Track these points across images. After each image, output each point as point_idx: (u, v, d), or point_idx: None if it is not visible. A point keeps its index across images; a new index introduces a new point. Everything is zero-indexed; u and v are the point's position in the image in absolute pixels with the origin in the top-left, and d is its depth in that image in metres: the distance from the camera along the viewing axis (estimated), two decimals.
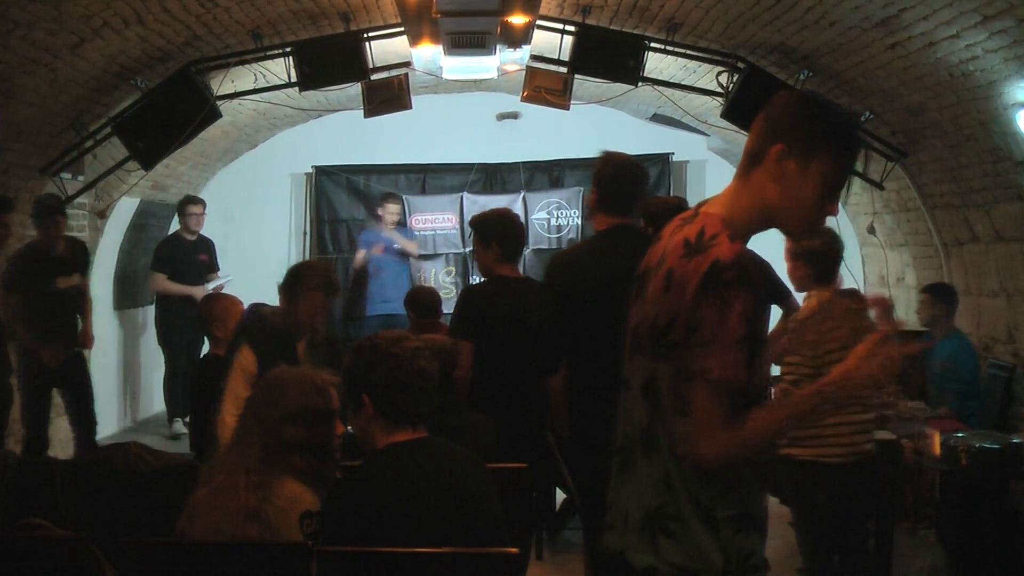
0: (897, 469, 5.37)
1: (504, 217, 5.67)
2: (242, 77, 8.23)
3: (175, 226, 10.84)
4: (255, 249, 11.30)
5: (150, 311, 10.71)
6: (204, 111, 7.61)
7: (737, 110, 7.59)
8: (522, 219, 10.72)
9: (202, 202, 10.42)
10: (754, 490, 2.66)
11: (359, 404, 3.24)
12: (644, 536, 2.61)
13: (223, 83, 7.92)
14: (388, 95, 8.10)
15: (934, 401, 6.87)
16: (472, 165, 11.37)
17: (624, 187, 4.56)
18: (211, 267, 10.41)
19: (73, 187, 7.92)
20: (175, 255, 10.14)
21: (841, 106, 2.66)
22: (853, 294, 4.86)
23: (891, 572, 5.84)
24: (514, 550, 2.91)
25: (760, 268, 4.64)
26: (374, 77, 8.02)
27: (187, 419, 9.87)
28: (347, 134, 11.02)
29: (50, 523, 3.50)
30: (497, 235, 5.50)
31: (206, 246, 10.44)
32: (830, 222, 2.82)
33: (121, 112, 7.59)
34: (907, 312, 8.30)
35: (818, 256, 4.74)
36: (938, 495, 5.47)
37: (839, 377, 2.49)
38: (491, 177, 11.41)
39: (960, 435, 5.11)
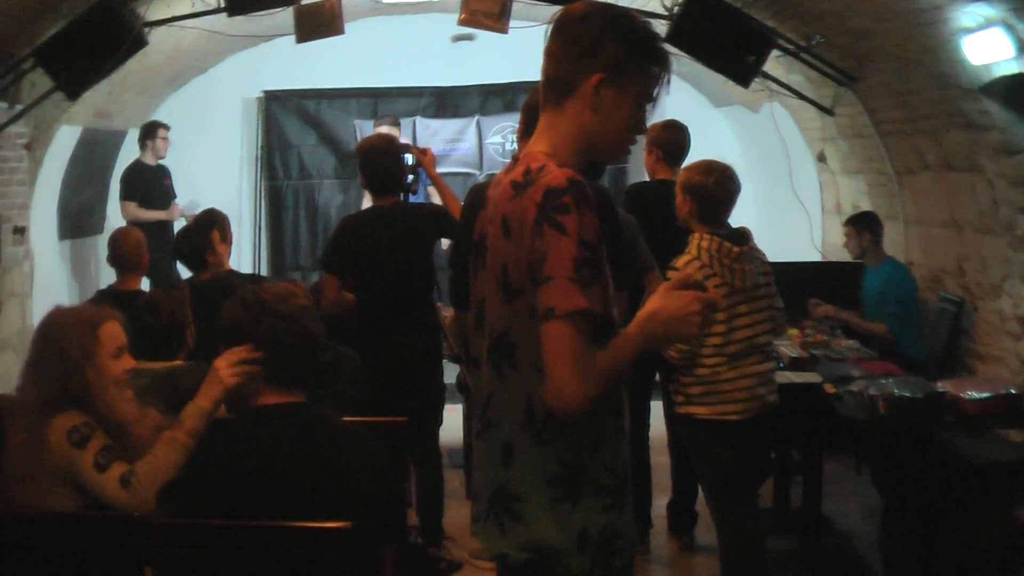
0: (817, 412, 5.24)
1: (372, 150, 5.63)
2: (179, 1, 7.92)
3: (126, 153, 10.62)
4: (206, 176, 11.00)
5: (99, 240, 10.50)
6: (130, 38, 7.34)
7: (683, 34, 7.28)
8: (475, 144, 10.67)
9: (168, 126, 10.28)
10: (622, 445, 2.48)
11: None
12: (490, 519, 2.44)
13: (158, 8, 7.62)
14: (319, 20, 7.77)
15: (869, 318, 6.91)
16: (424, 89, 11.10)
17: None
18: (172, 193, 10.29)
19: (7, 116, 7.67)
20: (143, 182, 10.03)
21: (638, 16, 2.52)
22: (742, 234, 4.61)
23: (820, 512, 5.78)
24: (344, 524, 2.73)
25: (605, 199, 4.49)
26: (304, 1, 7.69)
27: None
28: (299, 58, 10.55)
29: None
30: (364, 169, 5.61)
31: (167, 171, 10.33)
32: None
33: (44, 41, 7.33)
34: None
35: (707, 194, 4.51)
36: (861, 441, 5.35)
37: (647, 315, 2.39)
38: (444, 101, 11.15)
39: (883, 381, 4.90)
